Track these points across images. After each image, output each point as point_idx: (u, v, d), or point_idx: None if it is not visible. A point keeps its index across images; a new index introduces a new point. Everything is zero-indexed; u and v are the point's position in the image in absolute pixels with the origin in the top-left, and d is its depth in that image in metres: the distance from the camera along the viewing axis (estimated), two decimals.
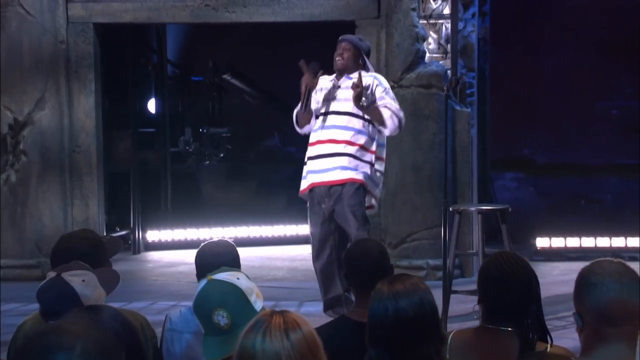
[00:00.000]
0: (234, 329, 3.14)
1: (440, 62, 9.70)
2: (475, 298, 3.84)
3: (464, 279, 9.19)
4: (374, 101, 7.01)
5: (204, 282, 3.37)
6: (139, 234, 11.86)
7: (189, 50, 14.16)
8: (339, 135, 6.99)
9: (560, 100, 13.88)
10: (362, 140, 7.00)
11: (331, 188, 6.99)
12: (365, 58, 7.29)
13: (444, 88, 6.93)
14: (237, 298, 3.29)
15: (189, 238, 12.09)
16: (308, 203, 7.17)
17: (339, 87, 7.11)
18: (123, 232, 12.05)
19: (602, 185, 14.07)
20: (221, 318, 3.24)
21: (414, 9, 9.54)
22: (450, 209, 7.20)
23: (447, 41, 9.76)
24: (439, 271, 8.63)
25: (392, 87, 9.46)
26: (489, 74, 12.99)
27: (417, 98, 9.52)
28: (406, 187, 9.59)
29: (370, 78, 7.13)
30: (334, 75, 7.23)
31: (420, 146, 9.55)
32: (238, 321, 3.14)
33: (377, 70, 9.67)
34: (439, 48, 9.81)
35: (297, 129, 7.30)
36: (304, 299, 8.36)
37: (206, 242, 4.41)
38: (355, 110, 6.98)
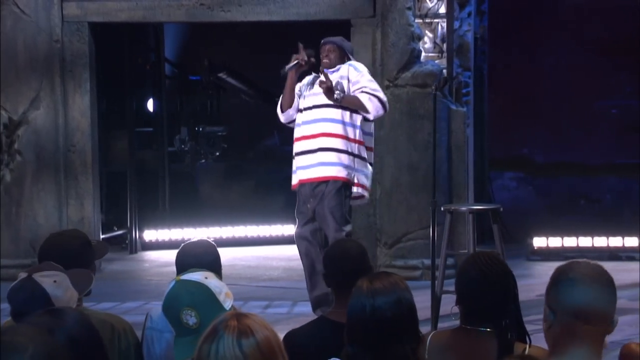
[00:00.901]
0: (203, 329, 3.12)
1: (436, 62, 9.66)
2: None
3: None
4: (350, 87, 7.00)
5: (172, 283, 3.35)
6: (136, 234, 11.85)
7: (187, 49, 14.15)
8: (318, 128, 7.00)
9: (560, 100, 13.84)
10: (341, 130, 6.98)
11: (316, 187, 6.98)
12: (350, 57, 7.29)
13: (433, 87, 6.88)
14: (205, 297, 3.28)
15: (186, 238, 11.94)
16: (296, 203, 7.16)
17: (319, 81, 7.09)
18: (120, 232, 12.05)
19: (602, 185, 14.04)
20: (189, 317, 3.23)
21: (409, 8, 9.51)
22: (442, 208, 7.16)
23: (442, 40, 9.73)
24: None
25: (387, 87, 9.49)
26: (487, 73, 12.97)
27: (413, 97, 9.50)
28: (401, 187, 9.56)
29: (345, 66, 7.14)
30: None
31: (415, 146, 9.52)
32: (207, 320, 3.11)
33: (373, 70, 9.66)
34: (434, 47, 9.77)
35: (280, 114, 7.33)
36: (298, 298, 8.33)
37: (186, 243, 4.38)
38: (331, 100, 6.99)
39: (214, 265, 4.09)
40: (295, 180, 7.15)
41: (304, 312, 7.43)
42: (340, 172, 6.94)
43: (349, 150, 6.99)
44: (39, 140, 9.88)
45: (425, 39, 9.75)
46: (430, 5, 9.70)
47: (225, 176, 14.02)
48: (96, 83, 10.52)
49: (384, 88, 9.56)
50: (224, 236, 12.20)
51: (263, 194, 13.50)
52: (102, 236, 10.79)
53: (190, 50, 14.13)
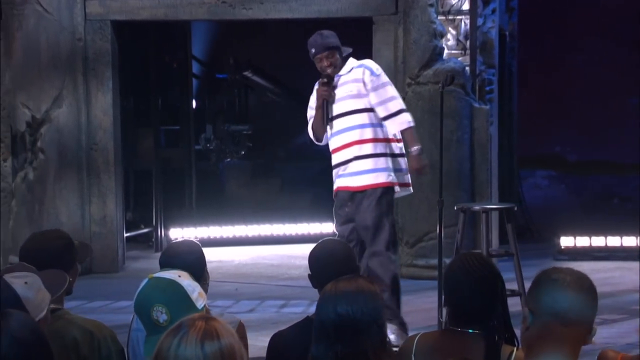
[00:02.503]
0: None
1: (459, 59, 9.57)
2: None
3: None
4: (373, 88, 6.74)
5: (145, 280, 3.32)
6: (161, 232, 11.84)
7: (215, 47, 14.14)
8: (347, 138, 6.75)
9: (592, 97, 13.72)
10: (371, 133, 6.74)
11: (354, 195, 6.77)
12: (340, 46, 6.87)
13: (440, 85, 6.76)
14: (177, 295, 3.26)
15: (212, 236, 12.05)
16: (334, 205, 6.95)
17: (335, 87, 6.81)
18: (146, 230, 12.06)
19: (635, 183, 13.84)
20: (160, 314, 3.21)
21: (431, 5, 9.43)
22: (455, 207, 7.07)
23: (466, 37, 9.64)
24: None
25: (409, 84, 9.42)
26: (517, 71, 12.83)
27: (435, 95, 9.35)
28: (423, 186, 9.43)
29: (359, 69, 6.83)
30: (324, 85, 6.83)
31: (437, 144, 9.34)
32: (178, 318, 3.07)
33: (395, 67, 9.61)
34: (457, 44, 9.69)
35: (316, 142, 7.02)
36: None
37: (171, 242, 4.35)
38: (353, 106, 6.75)
39: (197, 264, 4.07)
40: (335, 186, 6.92)
41: None
42: (378, 178, 6.72)
43: (383, 151, 6.77)
44: (62, 139, 9.90)
45: (449, 35, 9.66)
46: (453, 2, 9.62)
47: (251, 174, 13.99)
48: (123, 81, 10.57)
49: (406, 86, 9.51)
50: (250, 234, 12.16)
51: (289, 192, 13.45)
52: (126, 234, 10.81)
53: (218, 48, 14.13)
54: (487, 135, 9.57)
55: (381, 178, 6.72)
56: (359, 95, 6.74)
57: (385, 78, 6.86)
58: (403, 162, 6.87)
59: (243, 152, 13.79)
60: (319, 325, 3.18)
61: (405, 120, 6.75)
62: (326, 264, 4.08)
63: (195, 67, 13.65)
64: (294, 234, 12.33)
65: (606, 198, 14.00)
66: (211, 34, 13.96)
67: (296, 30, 12.05)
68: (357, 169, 6.74)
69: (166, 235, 11.95)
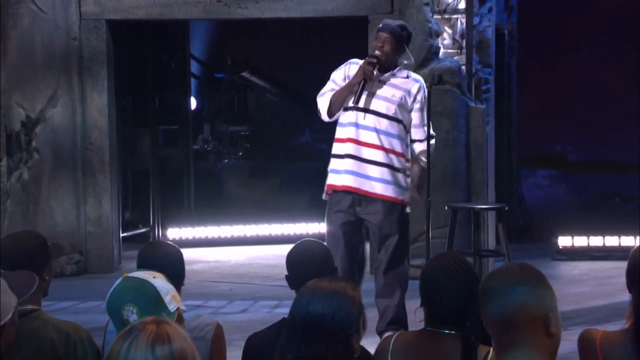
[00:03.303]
0: None
1: (455, 58, 9.52)
2: None
3: None
4: (411, 110, 6.63)
5: (119, 279, 3.28)
6: (158, 232, 11.82)
7: (214, 46, 14.11)
8: (379, 140, 6.54)
9: (592, 96, 13.66)
10: (401, 148, 6.59)
11: (370, 201, 6.59)
12: (407, 48, 6.71)
13: (427, 85, 6.69)
14: (149, 295, 3.22)
15: (209, 236, 12.03)
16: (331, 200, 6.69)
17: (381, 82, 6.59)
18: (144, 230, 12.04)
19: (637, 183, 13.78)
20: (130, 314, 3.18)
21: (427, 4, 9.39)
22: (446, 207, 7.03)
23: (462, 36, 9.59)
24: None
25: None
26: (517, 70, 12.77)
27: (430, 94, 9.33)
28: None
29: (416, 84, 6.67)
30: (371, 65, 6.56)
31: None
32: None
33: None
34: (453, 43, 9.65)
35: (325, 115, 6.69)
36: None
37: (148, 244, 4.31)
38: (396, 114, 6.56)
39: (174, 266, 4.03)
40: (340, 182, 6.64)
41: None
42: (398, 193, 6.60)
43: (402, 167, 6.63)
44: (57, 138, 9.88)
45: (444, 34, 9.62)
46: (449, 0, 9.57)
47: (250, 174, 13.96)
48: (121, 81, 10.54)
49: None
50: (248, 234, 12.13)
51: (288, 192, 13.41)
52: (123, 234, 10.78)
53: (217, 48, 14.09)
54: (484, 135, 9.52)
55: (400, 195, 6.62)
56: (402, 105, 6.58)
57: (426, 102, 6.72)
58: (409, 183, 6.75)
59: (241, 153, 13.75)
60: (290, 320, 3.13)
61: (431, 144, 6.70)
62: (304, 265, 4.05)
63: (195, 67, 13.62)
64: (292, 234, 12.26)
65: (607, 198, 13.94)
66: (210, 33, 13.93)
67: (294, 29, 12.07)
68: (376, 175, 6.55)
69: (164, 235, 11.93)
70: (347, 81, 6.62)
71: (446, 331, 3.56)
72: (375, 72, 6.54)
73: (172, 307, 3.27)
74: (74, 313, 7.94)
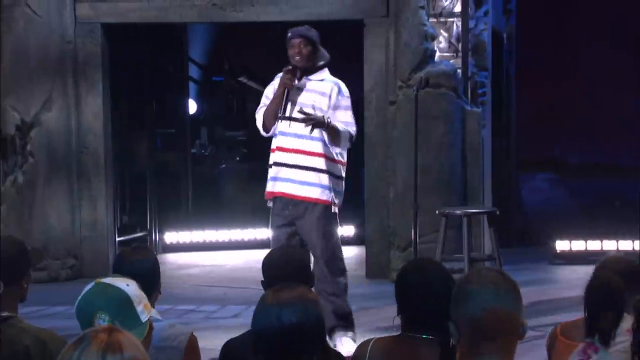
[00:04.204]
0: None
1: (451, 61, 9.49)
2: None
3: None
4: (336, 108, 6.77)
5: (90, 284, 3.21)
6: (156, 236, 11.80)
7: (213, 50, 14.07)
8: (303, 145, 6.73)
9: (592, 99, 13.60)
10: (323, 150, 6.73)
11: (298, 204, 6.78)
12: (320, 48, 6.86)
13: (415, 89, 6.68)
14: (122, 304, 3.14)
15: (207, 240, 12.00)
16: (272, 206, 6.97)
17: (300, 89, 6.76)
18: (140, 234, 11.99)
19: (637, 187, 13.71)
20: (102, 322, 3.10)
21: (422, 7, 9.36)
22: (437, 211, 7.00)
23: (458, 40, 9.55)
24: None
25: (400, 87, 9.38)
26: (517, 73, 12.72)
27: (426, 98, 9.28)
28: (413, 189, 9.37)
29: (331, 84, 6.80)
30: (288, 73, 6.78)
31: (428, 147, 9.33)
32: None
33: (386, 70, 9.57)
34: (449, 47, 9.61)
35: (263, 132, 6.98)
36: None
37: (124, 249, 4.27)
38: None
39: (150, 273, 3.98)
40: (271, 188, 6.95)
41: None
42: (323, 195, 6.74)
43: (333, 171, 6.80)
44: (52, 142, 9.86)
45: (440, 38, 9.58)
46: (445, 4, 9.53)
47: (248, 178, 13.90)
48: (118, 84, 10.50)
49: (397, 89, 9.45)
50: (246, 238, 12.09)
51: None
52: (119, 238, 10.74)
53: (216, 52, 14.06)
54: (480, 139, 9.49)
55: (324, 196, 6.75)
56: (319, 109, 6.72)
57: (349, 103, 6.88)
58: (342, 187, 6.92)
59: (238, 158, 13.72)
60: (256, 337, 3.03)
61: (351, 134, 6.85)
62: (280, 269, 4.02)
63: (193, 71, 13.59)
64: None
65: (607, 201, 13.87)
66: (209, 37, 13.90)
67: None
68: (303, 179, 6.74)
69: (161, 239, 11.91)
70: None
71: (424, 336, 3.55)
72: (296, 81, 6.74)
73: (143, 317, 3.18)
74: (68, 318, 7.89)
